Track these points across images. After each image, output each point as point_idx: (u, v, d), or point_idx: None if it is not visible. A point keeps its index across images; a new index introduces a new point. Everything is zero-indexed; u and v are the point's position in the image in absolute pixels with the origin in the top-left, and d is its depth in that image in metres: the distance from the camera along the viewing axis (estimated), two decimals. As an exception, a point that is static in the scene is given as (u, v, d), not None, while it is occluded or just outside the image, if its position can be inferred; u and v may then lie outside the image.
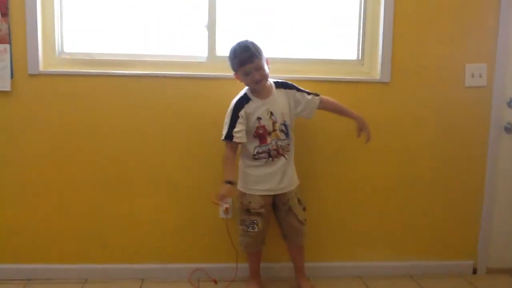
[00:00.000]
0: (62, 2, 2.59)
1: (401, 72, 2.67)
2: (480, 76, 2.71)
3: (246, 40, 2.33)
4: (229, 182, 2.31)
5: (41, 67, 2.51)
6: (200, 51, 2.66)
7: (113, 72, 2.54)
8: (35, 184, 2.58)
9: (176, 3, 2.65)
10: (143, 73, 2.56)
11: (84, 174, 2.60)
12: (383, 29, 2.62)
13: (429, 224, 2.82)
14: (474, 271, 2.89)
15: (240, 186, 2.47)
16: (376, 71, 2.69)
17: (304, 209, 2.50)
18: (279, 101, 2.40)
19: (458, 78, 2.71)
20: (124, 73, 2.55)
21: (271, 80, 2.43)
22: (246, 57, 2.27)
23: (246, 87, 2.41)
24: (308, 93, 2.45)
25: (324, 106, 2.48)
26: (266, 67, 2.33)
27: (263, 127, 2.36)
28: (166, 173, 2.63)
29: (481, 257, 2.88)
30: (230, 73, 2.55)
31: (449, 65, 2.69)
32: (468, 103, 2.73)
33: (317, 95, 2.46)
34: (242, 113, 2.35)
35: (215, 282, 2.64)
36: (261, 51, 2.33)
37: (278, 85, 2.44)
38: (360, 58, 2.74)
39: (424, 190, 2.78)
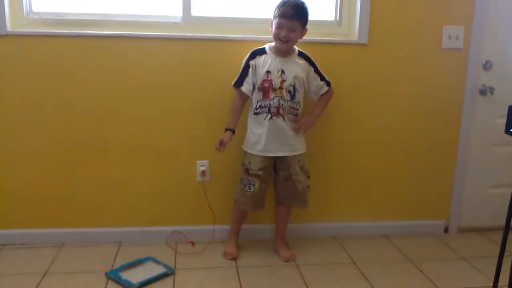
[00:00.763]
0: (29, -42, 2.47)
1: (379, 34, 2.65)
2: (457, 38, 2.71)
3: (303, 1, 2.31)
4: (228, 129, 2.37)
5: (9, 27, 2.41)
6: (174, 11, 2.58)
7: (84, 33, 2.46)
8: (7, 149, 2.53)
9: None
10: (115, 34, 2.48)
11: (57, 139, 2.55)
12: (361, -10, 2.58)
13: (403, 185, 2.87)
14: (446, 230, 2.98)
15: (243, 145, 2.48)
16: (354, 33, 2.67)
17: (308, 177, 2.51)
18: (296, 65, 2.39)
19: (436, 40, 2.70)
20: (96, 33, 2.47)
21: (296, 47, 2.42)
22: (289, 12, 2.25)
23: (270, 43, 2.40)
24: (322, 79, 2.46)
25: (320, 98, 2.50)
26: (298, 35, 2.32)
27: (270, 81, 2.35)
28: (141, 137, 2.60)
29: (453, 217, 2.96)
30: (206, 34, 2.52)
31: (426, 27, 2.68)
32: (444, 65, 2.74)
33: (328, 84, 2.47)
34: (252, 62, 2.37)
35: (193, 244, 2.67)
36: (307, 19, 2.32)
37: (302, 54, 2.44)
38: (338, 19, 2.71)
39: (399, 152, 2.82)
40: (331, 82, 2.50)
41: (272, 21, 2.34)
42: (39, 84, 2.48)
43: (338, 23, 2.71)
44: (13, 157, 2.54)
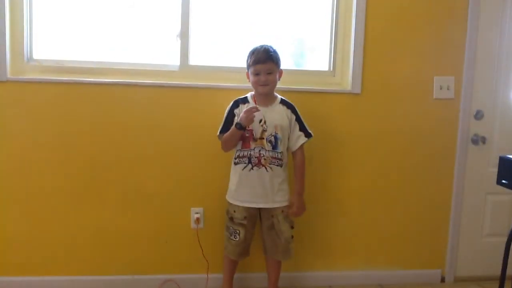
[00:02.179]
0: (32, 8, 2.53)
1: (372, 84, 2.71)
2: (448, 88, 2.77)
3: (271, 45, 2.36)
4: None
5: (9, 74, 2.46)
6: (172, 60, 2.64)
7: (83, 80, 2.50)
8: (1, 193, 2.51)
9: (148, 11, 2.63)
10: (114, 81, 2.53)
11: (52, 185, 2.54)
12: (354, 41, 2.66)
13: (398, 234, 2.86)
14: (443, 280, 2.94)
15: (227, 195, 2.46)
16: (347, 82, 2.73)
17: (291, 227, 2.47)
18: (278, 113, 2.39)
19: (427, 90, 2.76)
20: (94, 81, 2.51)
21: (278, 95, 2.44)
22: (261, 57, 2.30)
23: (251, 92, 2.42)
24: (301, 129, 2.43)
25: (294, 157, 2.48)
26: (276, 76, 2.36)
27: (251, 131, 2.34)
28: (136, 184, 2.60)
29: (449, 266, 2.93)
30: (203, 82, 2.58)
31: (418, 77, 2.75)
32: (436, 115, 2.79)
33: (307, 135, 2.44)
34: (237, 111, 2.37)
35: (186, 293, 2.62)
36: (279, 60, 2.37)
37: (284, 102, 2.45)
38: (331, 69, 2.77)
39: (393, 201, 2.82)
40: (312, 134, 2.46)
41: (248, 72, 2.38)
42: (37, 129, 2.50)
43: (331, 73, 2.77)
44: (5, 201, 2.52)
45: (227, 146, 2.41)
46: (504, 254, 1.27)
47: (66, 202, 2.56)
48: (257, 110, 2.27)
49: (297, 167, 2.46)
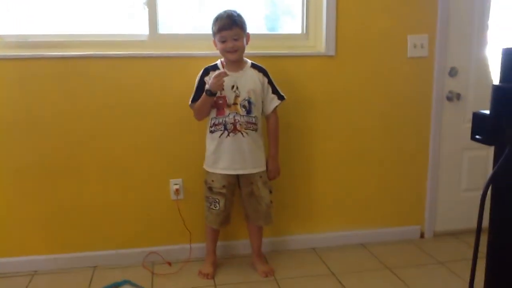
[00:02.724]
0: (-10, -19, 2.42)
1: (346, 45, 2.68)
2: (422, 46, 2.76)
3: (234, 10, 2.31)
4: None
5: (-30, 52, 2.36)
6: (141, 29, 2.56)
7: (49, 55, 2.42)
8: (-27, 175, 2.46)
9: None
10: (81, 54, 2.45)
11: (26, 163, 2.48)
12: (327, 3, 2.61)
13: (377, 193, 2.90)
14: (422, 235, 3.01)
15: (204, 165, 2.45)
16: (321, 45, 2.69)
17: (270, 192, 2.49)
18: (249, 78, 2.37)
19: (401, 49, 2.75)
20: (61, 55, 2.43)
21: (248, 60, 2.41)
22: (226, 23, 2.26)
23: (221, 58, 2.38)
24: (274, 91, 2.42)
25: (267, 121, 2.47)
26: (244, 41, 2.32)
27: (224, 98, 2.32)
28: (113, 157, 2.56)
29: (428, 222, 2.99)
30: (174, 51, 2.52)
31: (392, 36, 2.73)
32: (411, 73, 2.79)
33: (280, 98, 2.43)
34: (207, 78, 2.34)
35: (170, 264, 2.62)
36: (245, 24, 2.32)
37: (255, 66, 2.42)
38: (305, 32, 2.73)
39: (371, 161, 2.85)
40: (285, 96, 2.46)
41: (214, 40, 2.34)
42: (5, 107, 2.42)
43: (305, 36, 2.73)
44: (-20, 184, 2.47)
45: (199, 114, 2.40)
46: (480, 207, 1.28)
47: (42, 179, 2.51)
48: (226, 75, 2.25)
49: (271, 130, 2.47)
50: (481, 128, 1.30)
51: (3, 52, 2.41)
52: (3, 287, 2.41)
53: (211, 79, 2.27)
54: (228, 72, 2.29)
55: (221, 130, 2.35)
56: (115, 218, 2.62)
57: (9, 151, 2.46)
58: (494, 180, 1.29)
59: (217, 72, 2.31)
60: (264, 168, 2.46)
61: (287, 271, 2.55)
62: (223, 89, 2.30)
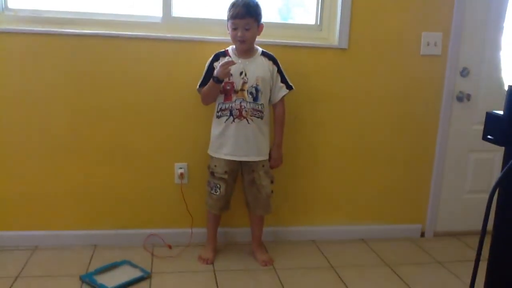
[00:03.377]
0: (5, -47, 2.41)
1: (359, 39, 2.66)
2: (435, 44, 2.74)
3: (252, 0, 2.30)
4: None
5: (-17, 24, 2.36)
6: (155, 11, 2.55)
7: (62, 31, 2.41)
8: (-21, 148, 2.46)
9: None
10: (94, 33, 2.44)
11: (32, 139, 2.49)
12: (342, -6, 2.60)
13: (381, 190, 2.89)
14: (422, 234, 3.01)
15: (208, 149, 2.46)
16: (334, 37, 2.68)
17: (271, 182, 2.49)
18: (259, 65, 2.37)
19: (414, 46, 2.73)
20: (74, 32, 2.42)
21: (259, 48, 2.41)
22: (240, 11, 2.25)
23: (233, 45, 2.39)
24: (282, 80, 2.43)
25: (274, 109, 2.48)
26: (255, 32, 2.32)
27: (232, 83, 2.33)
28: (120, 137, 2.56)
29: (430, 221, 2.99)
30: (186, 35, 2.51)
31: (406, 33, 2.71)
32: (422, 71, 2.77)
33: (289, 87, 2.44)
34: (216, 64, 2.34)
35: (170, 247, 2.64)
36: (260, 15, 2.31)
37: (266, 54, 2.42)
38: (318, 24, 2.71)
39: (377, 157, 2.84)
40: (293, 86, 2.46)
41: (227, 24, 2.34)
42: (14, 82, 2.42)
43: (318, 27, 2.72)
44: (-14, 157, 2.48)
45: (206, 99, 2.42)
46: (486, 209, 1.28)
47: (48, 158, 2.52)
48: (233, 63, 2.26)
49: (277, 119, 2.48)
50: (494, 129, 1.29)
51: (16, 26, 2.41)
52: (3, 260, 2.42)
53: (218, 66, 2.28)
54: (236, 60, 2.30)
55: (227, 116, 2.35)
56: (118, 198, 2.63)
57: (15, 128, 2.47)
58: (502, 182, 1.29)
59: (225, 59, 2.32)
60: (267, 157, 2.47)
61: (286, 262, 2.56)
62: (231, 75, 2.31)
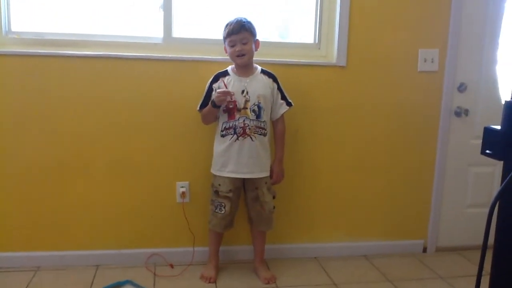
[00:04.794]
0: (8, -22, 2.45)
1: (357, 56, 2.70)
2: (432, 61, 2.78)
3: (245, 18, 2.37)
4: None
5: (-14, 47, 2.39)
6: (155, 32, 2.59)
7: (64, 53, 2.45)
8: (-18, 169, 2.47)
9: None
10: (96, 54, 2.48)
11: (34, 159, 2.50)
12: (340, 14, 2.64)
13: (381, 206, 2.90)
14: (424, 250, 3.00)
15: (212, 168, 2.48)
16: (332, 55, 2.71)
17: (273, 197, 2.51)
18: (259, 83, 2.41)
19: (412, 63, 2.77)
20: (76, 54, 2.46)
21: (258, 66, 2.46)
22: (235, 27, 2.32)
23: (232, 65, 2.44)
24: (282, 97, 2.47)
25: (275, 126, 2.52)
26: (253, 46, 2.37)
27: (234, 102, 2.36)
28: (121, 157, 2.58)
29: (431, 237, 2.99)
30: (187, 55, 2.54)
31: (403, 50, 2.74)
32: (420, 87, 2.80)
33: (288, 104, 2.48)
34: (216, 85, 2.39)
35: (172, 266, 2.63)
36: (254, 30, 2.38)
37: (265, 72, 2.46)
38: (317, 42, 2.75)
39: (377, 173, 2.85)
40: (293, 103, 2.50)
41: (225, 45, 2.40)
42: (17, 104, 2.45)
43: (317, 45, 2.75)
44: (-12, 178, 2.49)
45: (206, 120, 2.47)
46: (487, 224, 1.29)
47: (50, 177, 2.53)
48: (230, 95, 2.32)
49: (278, 135, 2.52)
50: (492, 143, 1.31)
51: (19, 49, 2.45)
52: (6, 281, 2.41)
53: (216, 92, 2.33)
54: (237, 79, 2.38)
55: (231, 134, 2.38)
56: (119, 217, 2.63)
57: (19, 148, 2.48)
58: (502, 196, 1.30)
59: (228, 78, 2.38)
60: (269, 174, 2.49)
61: (288, 279, 2.55)
62: (233, 94, 2.34)
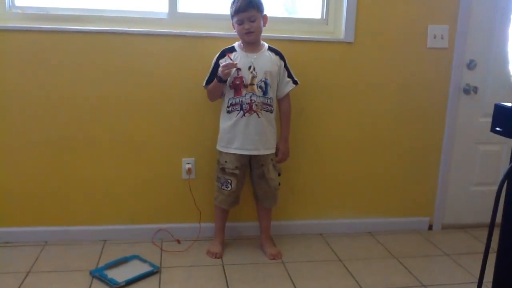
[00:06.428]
0: (11, -49, 2.42)
1: (366, 32, 2.66)
2: (442, 37, 2.73)
3: None
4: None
5: (-10, 22, 2.37)
6: (161, 7, 2.56)
7: (69, 28, 2.42)
8: (-11, 145, 2.48)
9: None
10: (101, 29, 2.45)
11: (40, 135, 2.50)
12: (348, -12, 2.59)
13: (388, 183, 2.89)
14: (430, 227, 3.01)
15: (217, 145, 2.47)
16: (340, 31, 2.67)
17: (279, 174, 2.52)
18: (266, 60, 2.39)
19: (421, 39, 2.72)
20: (80, 29, 2.43)
21: (265, 43, 2.43)
22: (242, 5, 2.28)
23: (239, 41, 2.42)
24: (289, 75, 2.45)
25: (280, 104, 2.50)
26: (261, 23, 2.34)
27: (241, 78, 2.34)
28: (127, 133, 2.58)
29: (437, 214, 2.99)
30: (192, 31, 2.51)
31: (412, 26, 2.70)
32: (429, 64, 2.76)
33: (295, 82, 2.46)
34: (222, 61, 2.36)
35: (178, 242, 2.65)
36: (261, 5, 2.35)
37: (272, 49, 2.44)
38: (324, 18, 2.71)
39: (384, 150, 2.84)
40: (299, 81, 2.48)
41: (232, 23, 2.37)
42: (21, 79, 2.44)
43: (324, 21, 2.71)
44: (-5, 154, 2.50)
45: (212, 96, 2.45)
46: (495, 202, 1.28)
47: (56, 154, 2.54)
48: (234, 66, 2.29)
49: (284, 113, 2.51)
50: (502, 120, 1.30)
51: (22, 24, 2.42)
52: (14, 256, 2.44)
53: (220, 66, 2.30)
54: (244, 55, 2.34)
55: (237, 110, 2.36)
56: (126, 193, 2.64)
57: (24, 123, 2.48)
58: (511, 174, 1.29)
59: (234, 54, 2.36)
60: (274, 151, 2.49)
61: (294, 255, 2.57)
62: (240, 69, 2.32)
